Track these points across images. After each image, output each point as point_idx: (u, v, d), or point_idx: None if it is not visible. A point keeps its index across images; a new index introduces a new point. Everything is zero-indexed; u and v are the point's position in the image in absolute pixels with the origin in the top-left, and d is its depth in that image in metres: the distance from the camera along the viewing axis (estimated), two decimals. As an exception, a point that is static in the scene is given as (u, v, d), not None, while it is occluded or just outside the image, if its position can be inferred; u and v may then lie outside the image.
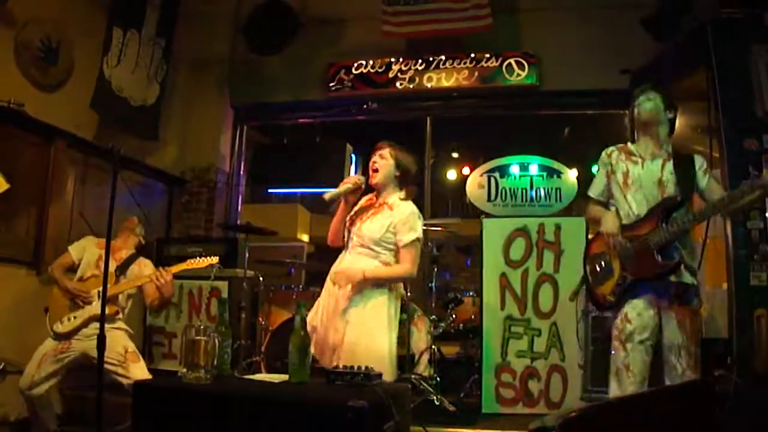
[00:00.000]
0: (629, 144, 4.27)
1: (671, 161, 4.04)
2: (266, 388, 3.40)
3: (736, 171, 5.23)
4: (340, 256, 4.24)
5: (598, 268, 4.16)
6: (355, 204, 4.31)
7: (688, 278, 3.88)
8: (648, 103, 4.12)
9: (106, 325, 4.56)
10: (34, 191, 6.08)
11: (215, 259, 5.31)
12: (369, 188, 4.35)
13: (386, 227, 4.08)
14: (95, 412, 3.72)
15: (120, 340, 5.01)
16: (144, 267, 5.40)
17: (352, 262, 4.11)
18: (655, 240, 3.84)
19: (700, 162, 4.05)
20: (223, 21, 8.42)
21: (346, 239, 4.23)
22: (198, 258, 5.25)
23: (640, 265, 3.91)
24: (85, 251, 5.26)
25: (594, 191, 4.35)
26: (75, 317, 4.97)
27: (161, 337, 6.68)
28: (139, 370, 4.94)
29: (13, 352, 5.53)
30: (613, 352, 4.01)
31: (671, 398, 2.26)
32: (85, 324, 4.94)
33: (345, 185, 4.23)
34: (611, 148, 4.31)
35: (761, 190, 3.69)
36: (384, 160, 4.29)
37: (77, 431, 5.29)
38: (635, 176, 4.09)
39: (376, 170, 4.26)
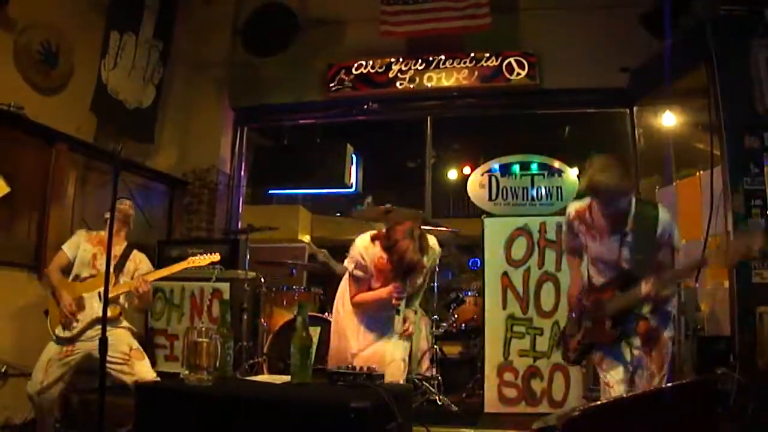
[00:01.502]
0: (587, 212, 4.04)
1: (631, 233, 3.85)
2: (268, 390, 3.40)
3: (737, 168, 5.23)
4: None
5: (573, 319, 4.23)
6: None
7: (653, 321, 3.91)
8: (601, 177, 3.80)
9: (110, 327, 4.52)
10: (35, 194, 6.08)
11: (216, 257, 5.21)
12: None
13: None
14: (97, 415, 3.71)
15: (124, 339, 4.94)
16: (139, 263, 5.26)
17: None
18: (610, 308, 3.89)
19: (661, 230, 3.82)
20: (223, 23, 8.43)
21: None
22: (198, 256, 5.18)
23: (595, 330, 4.01)
24: (79, 248, 5.09)
25: (566, 249, 4.43)
26: (78, 321, 4.84)
27: (163, 339, 6.67)
28: (144, 368, 4.88)
29: (15, 355, 5.54)
30: None
31: (674, 397, 2.25)
32: (89, 327, 4.83)
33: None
34: (572, 211, 4.15)
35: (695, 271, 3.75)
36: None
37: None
38: (595, 252, 4.03)
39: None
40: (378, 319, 4.26)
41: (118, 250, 5.15)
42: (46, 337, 4.94)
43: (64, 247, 5.13)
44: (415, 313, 4.37)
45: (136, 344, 5.01)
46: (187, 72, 8.29)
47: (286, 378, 3.54)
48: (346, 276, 4.41)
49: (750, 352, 4.91)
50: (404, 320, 4.27)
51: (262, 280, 6.80)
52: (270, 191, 10.77)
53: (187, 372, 3.31)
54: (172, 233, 8.06)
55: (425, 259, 4.15)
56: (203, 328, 3.42)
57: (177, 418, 3.17)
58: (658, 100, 7.38)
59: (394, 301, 4.05)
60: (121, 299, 5.08)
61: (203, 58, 8.38)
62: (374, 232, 4.23)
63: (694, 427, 2.24)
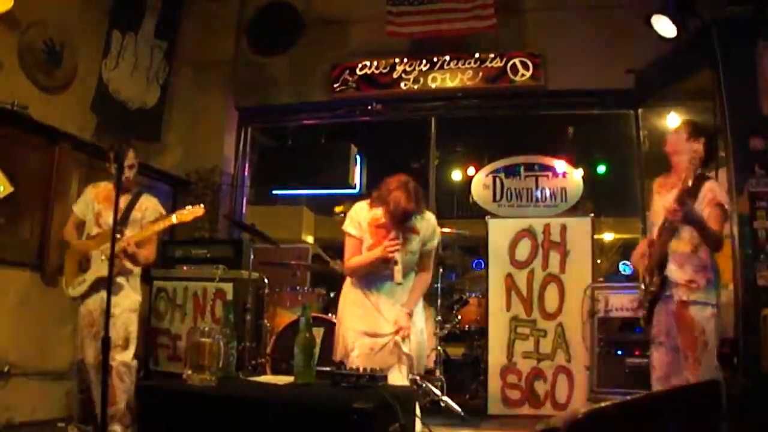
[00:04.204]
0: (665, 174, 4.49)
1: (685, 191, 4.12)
2: (271, 390, 3.39)
3: (743, 170, 5.21)
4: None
5: None
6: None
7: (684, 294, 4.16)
8: (671, 135, 4.43)
9: (115, 297, 4.59)
10: (38, 193, 6.07)
11: (200, 210, 5.02)
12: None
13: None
14: (100, 414, 3.71)
15: (124, 320, 4.89)
16: (146, 210, 5.17)
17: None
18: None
19: (708, 194, 4.16)
20: (227, 22, 8.41)
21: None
22: (184, 209, 5.02)
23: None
24: (88, 206, 5.14)
25: None
26: (84, 280, 4.94)
27: (166, 339, 6.65)
28: (125, 357, 4.86)
29: (17, 354, 5.53)
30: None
31: (678, 400, 2.24)
32: (95, 287, 4.89)
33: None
34: (658, 179, 4.55)
35: None
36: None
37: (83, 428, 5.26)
38: (656, 209, 4.37)
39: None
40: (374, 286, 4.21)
41: (123, 201, 5.00)
42: (48, 337, 4.95)
43: (74, 207, 5.21)
44: (410, 316, 4.19)
45: (133, 329, 4.98)
46: (192, 71, 8.28)
47: (290, 379, 3.54)
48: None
49: (754, 355, 4.88)
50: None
51: (266, 280, 6.79)
52: (274, 192, 10.76)
53: (190, 372, 3.31)
54: (175, 233, 8.03)
55: (419, 223, 4.15)
56: (206, 329, 3.43)
57: (180, 418, 3.17)
58: (663, 102, 7.36)
59: (390, 254, 3.99)
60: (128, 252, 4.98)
61: (207, 57, 8.36)
62: (370, 199, 4.23)
63: (699, 430, 2.23)
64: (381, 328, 4.10)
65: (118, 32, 6.83)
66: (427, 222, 4.23)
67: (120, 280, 4.93)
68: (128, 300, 5.01)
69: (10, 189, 5.51)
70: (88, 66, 6.56)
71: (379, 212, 4.11)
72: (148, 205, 5.19)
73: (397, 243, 4.00)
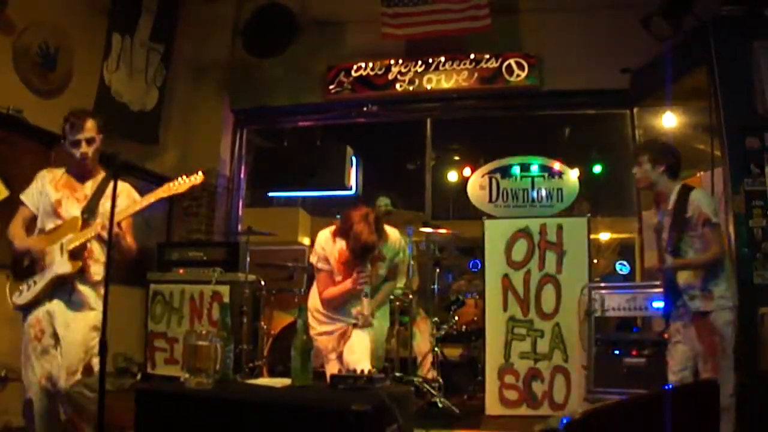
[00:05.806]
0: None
1: (673, 211, 4.31)
2: (269, 393, 3.38)
3: (739, 169, 5.22)
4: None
5: None
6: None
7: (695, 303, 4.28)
8: (635, 171, 4.56)
9: (72, 312, 3.97)
10: (34, 197, 6.05)
11: (200, 177, 4.32)
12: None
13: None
14: (98, 417, 3.68)
15: (86, 340, 3.95)
16: (119, 197, 3.73)
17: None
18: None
19: (696, 211, 4.20)
20: (223, 25, 8.40)
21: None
22: (179, 179, 4.33)
23: None
24: (41, 195, 4.12)
25: None
26: (35, 281, 3.96)
27: (162, 342, 6.64)
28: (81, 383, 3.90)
29: (14, 359, 5.50)
30: None
31: (676, 399, 2.24)
32: (48, 291, 3.95)
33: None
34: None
35: None
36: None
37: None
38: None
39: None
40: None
41: (90, 186, 4.20)
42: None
43: (23, 197, 4.17)
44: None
45: (93, 352, 3.92)
46: (187, 74, 8.26)
47: (287, 381, 3.53)
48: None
49: (752, 353, 4.89)
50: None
51: (262, 282, 6.78)
52: (270, 193, 10.76)
53: (187, 375, 3.30)
54: (171, 236, 8.02)
55: (384, 249, 4.36)
56: (203, 331, 3.42)
57: (177, 421, 3.16)
58: (658, 101, 7.36)
59: (359, 287, 4.20)
60: (96, 251, 4.09)
61: (203, 59, 8.35)
62: (334, 227, 4.42)
63: (696, 429, 2.22)
64: (343, 322, 4.38)
65: (118, 34, 6.81)
66: (391, 244, 4.43)
67: (82, 287, 4.01)
68: (91, 314, 3.99)
69: (6, 193, 5.49)
70: (83, 69, 6.54)
71: (344, 245, 4.28)
72: (121, 191, 3.95)
73: (366, 276, 4.20)
